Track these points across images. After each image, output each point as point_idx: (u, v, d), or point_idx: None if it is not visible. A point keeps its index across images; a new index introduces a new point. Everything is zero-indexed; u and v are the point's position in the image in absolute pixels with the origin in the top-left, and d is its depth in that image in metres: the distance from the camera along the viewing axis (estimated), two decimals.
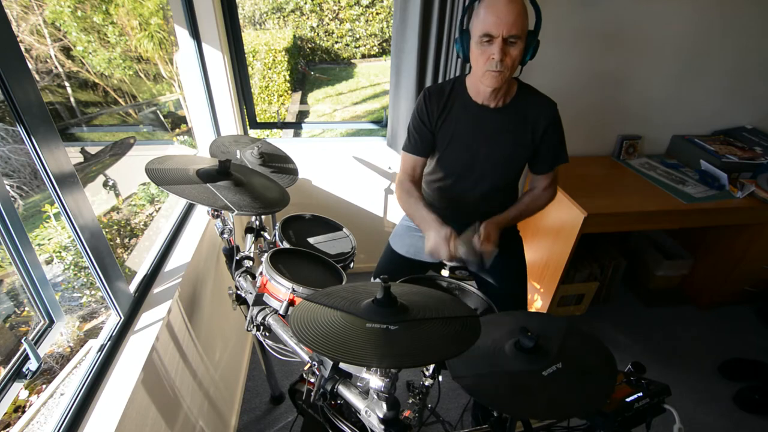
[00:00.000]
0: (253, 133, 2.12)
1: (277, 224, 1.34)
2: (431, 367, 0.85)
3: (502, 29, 1.05)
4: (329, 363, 0.80)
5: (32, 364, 0.76)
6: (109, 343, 0.95)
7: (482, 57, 1.11)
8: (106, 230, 2.26)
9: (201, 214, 1.53)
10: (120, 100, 3.90)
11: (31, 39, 3.32)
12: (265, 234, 1.36)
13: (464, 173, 1.32)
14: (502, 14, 1.04)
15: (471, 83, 1.25)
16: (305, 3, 6.65)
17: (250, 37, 6.20)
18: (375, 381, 0.72)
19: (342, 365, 0.81)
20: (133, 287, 1.11)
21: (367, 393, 0.77)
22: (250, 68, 4.54)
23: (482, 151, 1.28)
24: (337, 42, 6.96)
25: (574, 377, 0.80)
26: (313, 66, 7.05)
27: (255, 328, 1.00)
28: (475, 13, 1.10)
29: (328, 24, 6.84)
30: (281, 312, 0.98)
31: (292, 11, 6.74)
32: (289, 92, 6.17)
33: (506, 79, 1.13)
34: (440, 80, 1.76)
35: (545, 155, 1.31)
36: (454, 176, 1.34)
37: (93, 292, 1.86)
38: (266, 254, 1.05)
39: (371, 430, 0.77)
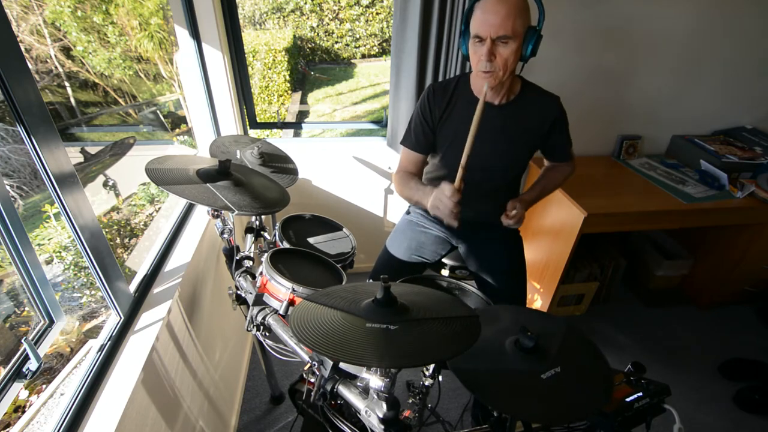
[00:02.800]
0: (253, 133, 2.12)
1: (277, 224, 1.34)
2: (431, 367, 0.85)
3: (490, 31, 1.05)
4: (329, 363, 0.80)
5: (32, 364, 0.76)
6: (109, 343, 0.95)
7: (475, 57, 1.12)
8: (106, 230, 2.26)
9: (201, 214, 1.53)
10: (120, 100, 3.91)
11: (31, 39, 3.32)
12: (265, 234, 1.36)
13: (467, 171, 1.32)
14: (490, 15, 1.04)
15: (474, 81, 1.26)
16: (305, 3, 6.65)
17: (250, 37, 6.20)
18: (375, 381, 0.72)
19: (342, 365, 0.81)
20: (133, 287, 1.11)
21: (367, 393, 0.77)
22: (250, 68, 4.54)
23: (485, 149, 1.27)
24: (337, 42, 6.96)
25: (572, 382, 0.80)
26: (313, 66, 7.05)
27: (255, 328, 1.00)
28: (473, 13, 1.11)
29: (328, 24, 6.84)
30: (281, 312, 0.98)
31: (292, 11, 6.75)
32: (289, 92, 6.17)
33: (501, 78, 1.13)
34: (440, 80, 1.76)
35: (560, 145, 1.36)
36: (453, 174, 1.34)
37: (93, 292, 1.86)
38: (266, 254, 1.05)
39: (371, 430, 0.77)
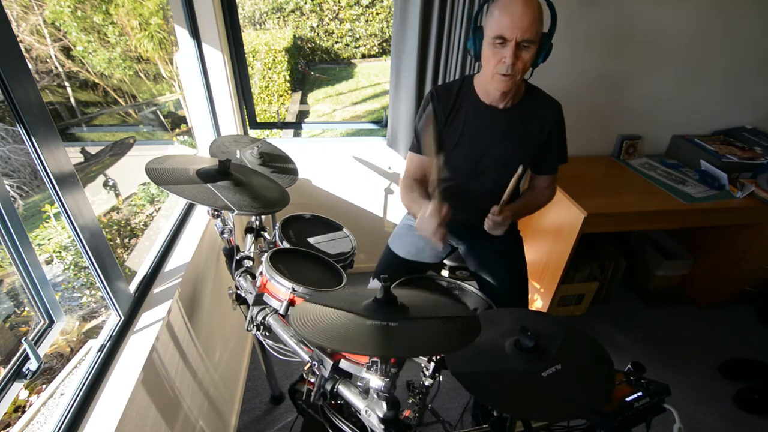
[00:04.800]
0: (253, 133, 2.12)
1: (277, 224, 1.34)
2: (431, 366, 0.85)
3: (516, 33, 1.02)
4: (329, 363, 0.80)
5: (32, 364, 0.76)
6: (109, 343, 0.95)
7: (494, 59, 1.09)
8: (106, 230, 2.26)
9: (201, 214, 1.53)
10: (120, 100, 3.91)
11: (31, 39, 3.32)
12: (265, 234, 1.36)
13: (471, 174, 1.32)
14: (517, 17, 1.01)
15: (479, 83, 1.24)
16: (305, 3, 6.65)
17: (250, 37, 6.20)
18: (375, 381, 0.72)
19: (342, 365, 0.81)
20: (133, 287, 1.11)
21: (367, 393, 0.77)
22: (250, 68, 4.54)
23: (490, 152, 1.27)
24: (337, 42, 6.97)
25: (573, 379, 0.80)
26: (313, 66, 7.05)
27: (255, 328, 1.00)
28: (489, 12, 1.08)
29: (328, 24, 6.84)
30: (281, 312, 0.98)
31: (292, 11, 6.75)
32: (289, 92, 6.17)
33: (516, 83, 1.12)
34: (440, 80, 1.76)
35: (549, 156, 1.33)
36: (460, 177, 1.34)
37: (93, 292, 1.86)
38: (266, 254, 1.05)
39: (371, 430, 0.77)
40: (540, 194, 1.40)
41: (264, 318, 0.98)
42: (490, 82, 1.15)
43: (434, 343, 0.65)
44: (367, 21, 6.78)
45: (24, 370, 0.76)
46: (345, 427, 0.86)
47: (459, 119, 1.26)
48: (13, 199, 0.75)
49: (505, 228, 1.22)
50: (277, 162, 1.46)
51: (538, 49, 1.10)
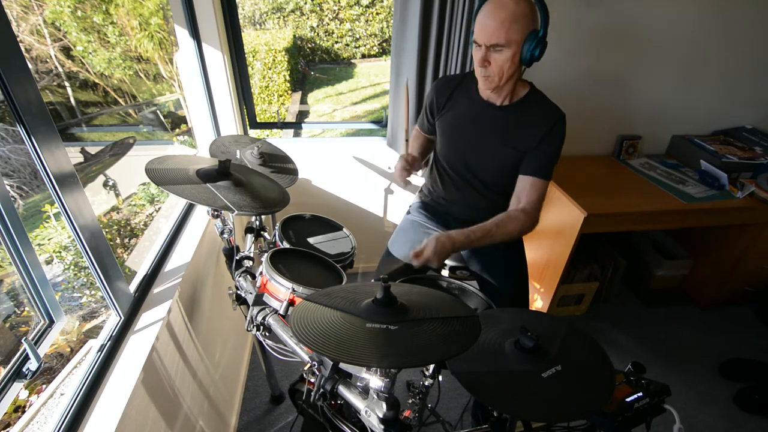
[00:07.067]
0: (253, 133, 2.12)
1: (277, 224, 1.34)
2: (431, 367, 0.85)
3: (484, 38, 1.08)
4: (329, 363, 0.80)
5: (32, 364, 0.76)
6: (109, 343, 0.95)
7: (474, 60, 1.17)
8: (106, 230, 2.26)
9: (201, 214, 1.53)
10: (120, 100, 3.91)
11: (31, 39, 3.32)
12: (265, 234, 1.36)
13: (459, 164, 1.36)
14: (487, 21, 1.07)
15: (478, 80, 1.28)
16: (305, 3, 6.66)
17: (250, 37, 6.20)
18: (375, 381, 0.72)
19: (342, 365, 0.81)
20: (133, 287, 1.11)
21: (367, 393, 0.77)
22: (250, 68, 4.54)
23: (478, 144, 1.30)
24: (337, 42, 6.97)
25: (573, 380, 0.80)
26: (313, 66, 7.05)
27: (255, 328, 1.00)
28: (476, 16, 1.14)
29: (328, 24, 6.84)
30: (281, 312, 0.98)
31: (292, 11, 6.75)
32: (289, 92, 6.18)
33: (498, 84, 1.16)
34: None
35: (533, 157, 1.23)
36: (450, 166, 1.39)
37: (93, 292, 1.85)
38: (266, 254, 1.05)
39: (371, 430, 0.77)
40: (513, 218, 1.19)
41: (264, 318, 0.98)
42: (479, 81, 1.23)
43: (434, 350, 0.65)
44: (367, 21, 6.78)
45: (24, 370, 0.76)
46: (345, 428, 0.86)
47: (453, 109, 1.32)
48: (13, 199, 0.75)
49: (436, 259, 1.05)
50: (277, 162, 1.46)
51: (523, 48, 1.09)
